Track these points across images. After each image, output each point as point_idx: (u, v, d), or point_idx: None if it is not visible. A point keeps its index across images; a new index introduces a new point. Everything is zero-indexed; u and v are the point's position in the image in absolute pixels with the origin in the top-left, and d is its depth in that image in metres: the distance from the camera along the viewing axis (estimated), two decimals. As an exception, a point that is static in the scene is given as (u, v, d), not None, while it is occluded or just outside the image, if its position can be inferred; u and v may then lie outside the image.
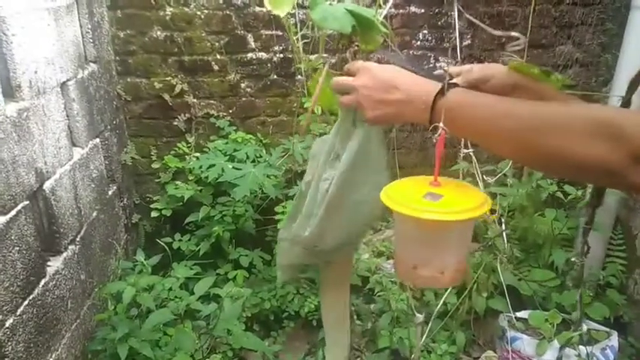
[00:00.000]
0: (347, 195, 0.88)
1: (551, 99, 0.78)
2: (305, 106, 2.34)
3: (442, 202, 0.69)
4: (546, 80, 0.77)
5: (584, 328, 1.82)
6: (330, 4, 0.82)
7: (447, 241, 0.74)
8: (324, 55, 2.44)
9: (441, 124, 0.70)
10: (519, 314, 2.14)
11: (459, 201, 0.70)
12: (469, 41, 2.51)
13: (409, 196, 0.71)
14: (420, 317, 1.08)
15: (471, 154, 1.53)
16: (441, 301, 1.84)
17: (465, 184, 0.77)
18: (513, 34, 0.80)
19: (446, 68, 0.79)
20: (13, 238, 1.42)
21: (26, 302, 1.47)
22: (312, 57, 2.40)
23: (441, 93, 0.69)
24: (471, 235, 0.78)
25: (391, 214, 0.73)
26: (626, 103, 0.83)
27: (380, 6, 0.82)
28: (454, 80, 0.77)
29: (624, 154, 0.58)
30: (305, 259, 1.04)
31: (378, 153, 0.89)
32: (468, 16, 0.98)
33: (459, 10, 1.69)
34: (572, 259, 1.73)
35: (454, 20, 2.29)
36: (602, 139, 0.59)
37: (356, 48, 0.84)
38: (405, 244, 0.78)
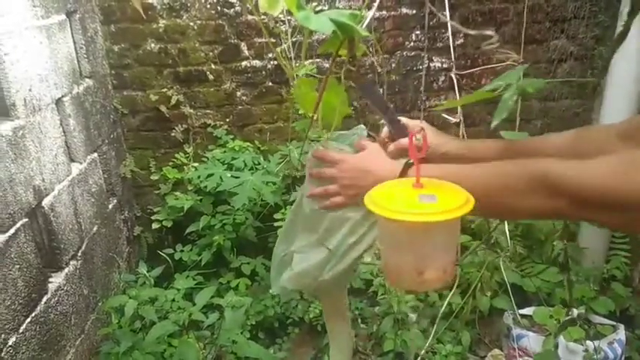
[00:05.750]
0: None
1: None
2: (300, 112, 2.34)
3: (440, 201, 0.69)
4: None
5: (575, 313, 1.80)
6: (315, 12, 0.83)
7: (450, 238, 0.75)
8: (313, 59, 2.45)
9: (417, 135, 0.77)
10: (524, 311, 2.13)
11: (452, 198, 0.69)
12: (462, 40, 2.51)
13: (404, 202, 0.69)
14: (413, 317, 1.08)
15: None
16: (446, 302, 1.82)
17: (441, 182, 0.76)
18: (487, 32, 0.82)
19: (403, 121, 0.92)
20: (12, 256, 1.42)
21: (29, 320, 1.48)
22: (307, 62, 2.42)
23: (403, 174, 0.80)
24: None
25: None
26: (625, 31, 0.81)
27: (362, 10, 0.82)
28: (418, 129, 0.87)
29: (566, 201, 0.64)
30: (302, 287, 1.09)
31: None
32: (443, 17, 0.98)
33: (432, 12, 1.69)
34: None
35: (443, 19, 2.29)
36: (542, 192, 0.66)
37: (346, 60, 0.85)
38: (408, 252, 0.76)
